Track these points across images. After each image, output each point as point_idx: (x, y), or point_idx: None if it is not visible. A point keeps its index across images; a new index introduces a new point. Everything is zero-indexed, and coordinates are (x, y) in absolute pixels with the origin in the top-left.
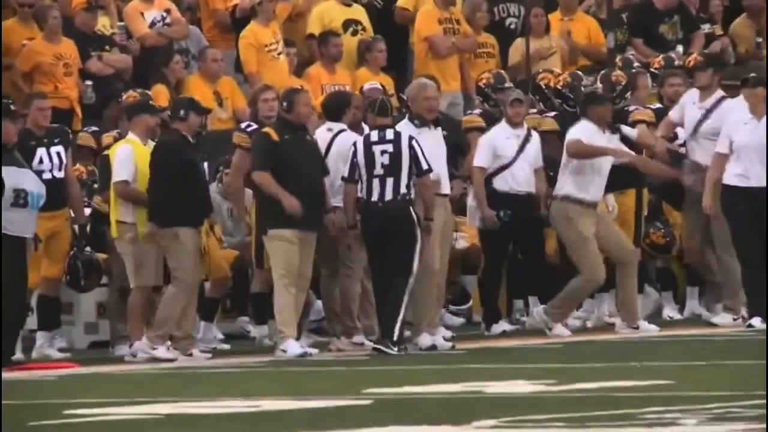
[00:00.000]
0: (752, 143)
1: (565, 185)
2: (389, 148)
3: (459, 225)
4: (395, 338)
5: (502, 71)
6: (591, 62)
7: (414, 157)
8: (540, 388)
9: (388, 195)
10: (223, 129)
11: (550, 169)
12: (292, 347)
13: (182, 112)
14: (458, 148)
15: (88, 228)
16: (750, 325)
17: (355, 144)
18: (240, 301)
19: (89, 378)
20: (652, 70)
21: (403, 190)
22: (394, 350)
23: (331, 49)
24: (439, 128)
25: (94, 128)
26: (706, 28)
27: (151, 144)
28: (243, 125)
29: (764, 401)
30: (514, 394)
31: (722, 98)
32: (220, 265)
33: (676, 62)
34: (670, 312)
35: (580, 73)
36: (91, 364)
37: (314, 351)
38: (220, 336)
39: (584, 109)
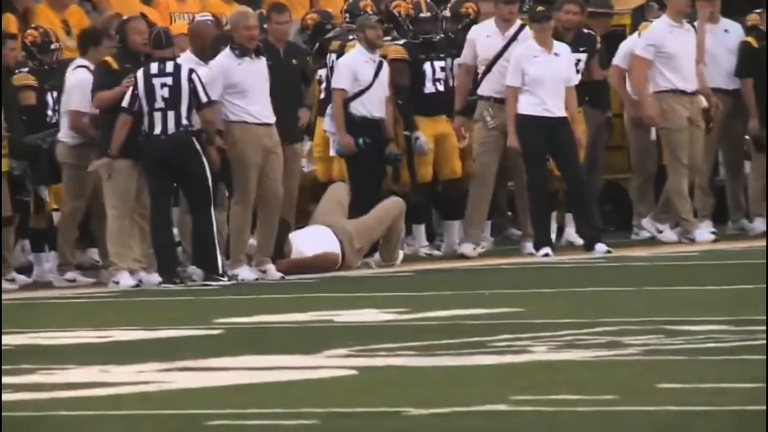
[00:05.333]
0: (546, 76)
1: None
2: (168, 81)
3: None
4: (220, 270)
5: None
6: None
7: (193, 91)
8: (390, 316)
9: (171, 128)
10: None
11: (398, 97)
12: (125, 279)
13: None
14: (304, 77)
15: None
16: (546, 254)
17: (135, 76)
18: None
19: None
20: None
21: (184, 122)
22: (225, 280)
23: None
24: (262, 57)
25: None
26: None
27: None
28: None
29: (613, 328)
30: (365, 323)
31: (522, 27)
32: None
33: None
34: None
35: (422, 2)
36: None
37: (153, 280)
38: None
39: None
